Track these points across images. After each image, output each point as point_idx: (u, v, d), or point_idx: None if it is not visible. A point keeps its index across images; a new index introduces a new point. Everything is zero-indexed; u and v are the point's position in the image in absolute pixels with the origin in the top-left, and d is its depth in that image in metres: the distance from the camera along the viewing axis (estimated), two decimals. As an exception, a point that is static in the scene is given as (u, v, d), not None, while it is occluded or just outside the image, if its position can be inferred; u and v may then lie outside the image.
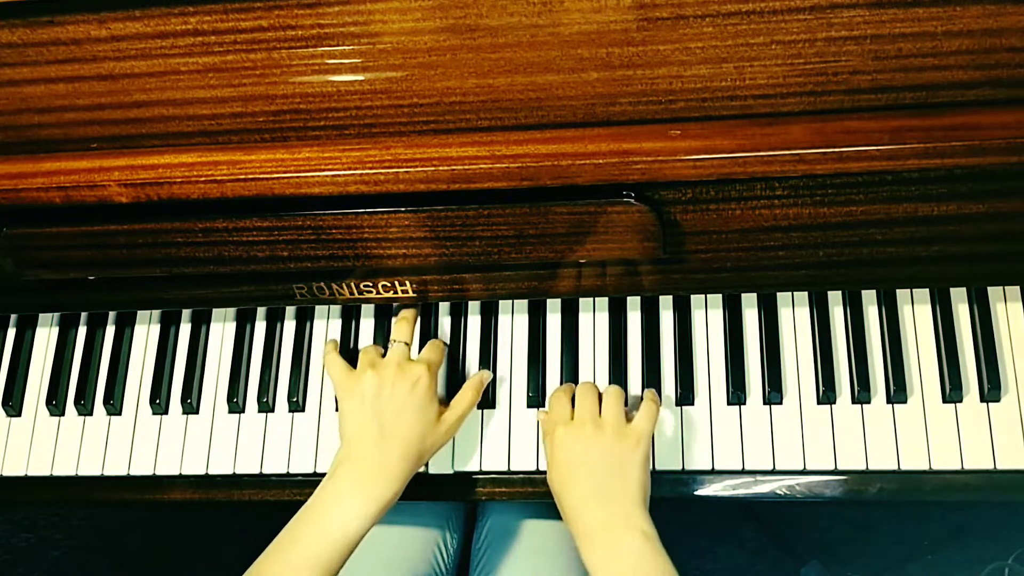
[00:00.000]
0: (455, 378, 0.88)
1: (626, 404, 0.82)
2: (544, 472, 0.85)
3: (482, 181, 0.72)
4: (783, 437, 0.83)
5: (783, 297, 0.87)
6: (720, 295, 0.88)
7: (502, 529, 0.96)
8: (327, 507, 0.73)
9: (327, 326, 0.92)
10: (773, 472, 0.82)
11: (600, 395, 0.82)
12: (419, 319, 0.90)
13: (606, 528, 0.72)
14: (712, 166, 0.70)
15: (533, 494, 0.85)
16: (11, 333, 0.97)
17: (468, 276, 0.81)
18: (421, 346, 0.90)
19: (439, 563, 0.97)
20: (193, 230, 0.78)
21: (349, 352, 0.90)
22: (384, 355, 0.84)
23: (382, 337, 0.90)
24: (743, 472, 0.83)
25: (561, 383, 0.86)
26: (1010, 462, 0.80)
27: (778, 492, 0.83)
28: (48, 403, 0.93)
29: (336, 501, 0.74)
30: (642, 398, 0.82)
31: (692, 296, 0.88)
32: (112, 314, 0.96)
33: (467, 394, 0.84)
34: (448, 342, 0.90)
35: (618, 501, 0.73)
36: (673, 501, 0.84)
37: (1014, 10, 0.67)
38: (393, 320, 0.87)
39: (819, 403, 0.84)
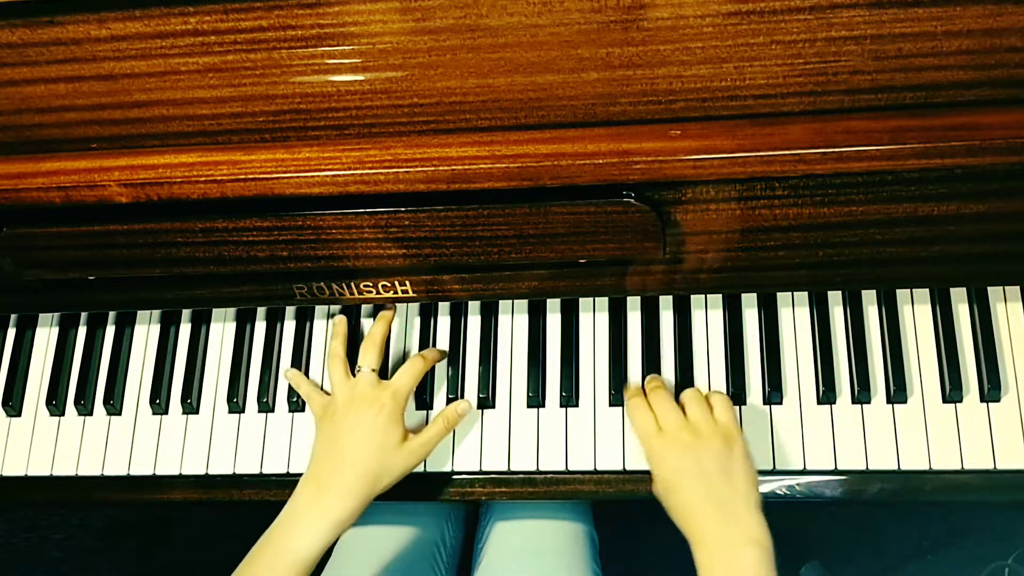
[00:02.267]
0: (456, 379, 0.88)
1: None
2: (544, 472, 0.85)
3: (482, 181, 0.72)
4: (783, 437, 0.83)
5: (783, 297, 0.87)
6: (720, 295, 0.88)
7: (503, 529, 0.96)
8: (284, 524, 0.76)
9: (327, 326, 0.92)
10: (773, 472, 0.82)
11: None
12: (420, 323, 0.90)
13: (722, 540, 0.71)
14: (712, 166, 0.70)
15: (533, 494, 0.85)
16: (11, 333, 0.97)
17: (468, 276, 0.81)
18: (422, 346, 0.90)
19: (438, 563, 0.97)
20: (193, 230, 0.78)
21: (349, 352, 0.90)
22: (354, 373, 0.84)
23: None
24: (743, 472, 0.83)
25: (561, 383, 0.86)
26: (1010, 462, 0.80)
27: (778, 492, 0.83)
28: (48, 403, 0.93)
29: (292, 518, 0.77)
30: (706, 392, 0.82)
31: (692, 296, 0.88)
32: (112, 314, 0.96)
33: (436, 424, 0.84)
34: (447, 349, 0.89)
35: (731, 503, 0.73)
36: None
37: (1014, 10, 0.67)
38: (361, 346, 0.86)
39: (819, 403, 0.84)
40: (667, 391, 0.82)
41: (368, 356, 0.84)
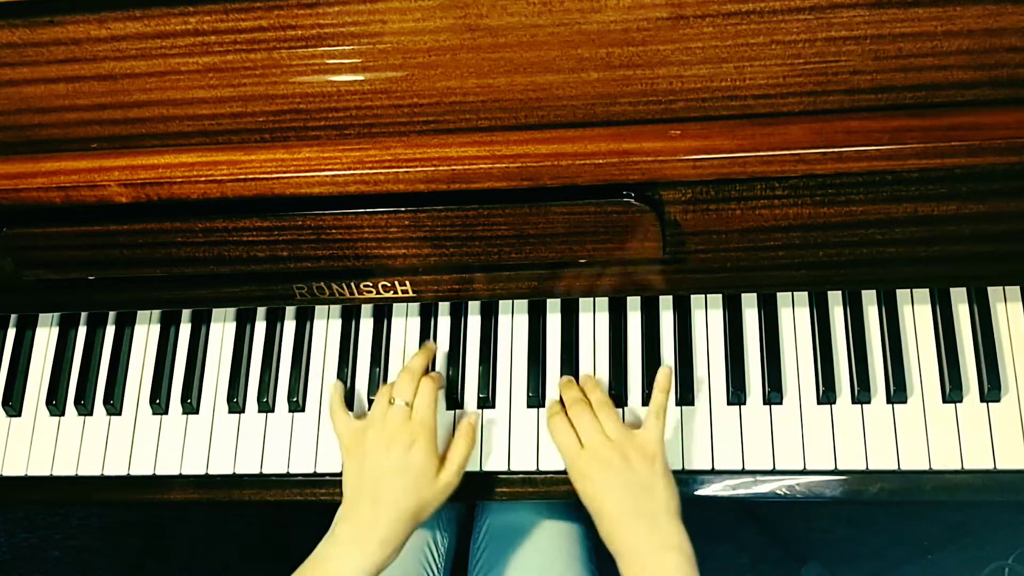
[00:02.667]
0: (455, 379, 0.88)
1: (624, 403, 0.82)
2: (544, 472, 0.85)
3: (482, 181, 0.72)
4: (783, 437, 0.83)
5: (783, 297, 0.87)
6: (720, 295, 0.88)
7: (501, 529, 0.96)
8: (327, 561, 0.75)
9: (327, 326, 0.92)
10: (773, 472, 0.82)
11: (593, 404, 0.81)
12: (420, 323, 0.90)
13: (644, 549, 0.73)
14: (712, 166, 0.70)
15: (533, 494, 0.85)
16: (11, 333, 0.97)
17: (468, 276, 0.81)
18: (450, 348, 0.90)
19: (429, 563, 0.97)
20: (193, 230, 0.78)
21: (349, 353, 0.90)
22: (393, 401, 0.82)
23: (382, 337, 0.90)
24: (743, 472, 0.83)
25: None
26: (1010, 462, 0.80)
27: (778, 492, 0.83)
28: (48, 403, 0.93)
29: (335, 557, 0.75)
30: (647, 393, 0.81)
31: (692, 296, 0.88)
32: (112, 314, 0.96)
33: (460, 444, 0.82)
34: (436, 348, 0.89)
35: (653, 516, 0.74)
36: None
37: (1014, 10, 0.67)
38: (399, 376, 0.83)
39: (819, 403, 0.84)
40: (586, 404, 0.81)
41: (405, 389, 0.81)
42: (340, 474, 0.87)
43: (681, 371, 0.86)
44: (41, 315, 0.97)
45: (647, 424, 0.79)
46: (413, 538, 0.95)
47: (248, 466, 0.88)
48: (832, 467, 0.82)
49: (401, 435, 0.79)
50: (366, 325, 0.92)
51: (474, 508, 1.05)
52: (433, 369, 0.89)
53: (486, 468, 0.86)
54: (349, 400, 0.89)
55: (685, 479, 0.83)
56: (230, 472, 0.88)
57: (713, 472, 0.83)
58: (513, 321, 0.90)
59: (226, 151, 0.75)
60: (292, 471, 0.88)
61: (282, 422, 0.90)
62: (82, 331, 0.96)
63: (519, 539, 0.95)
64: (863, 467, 0.81)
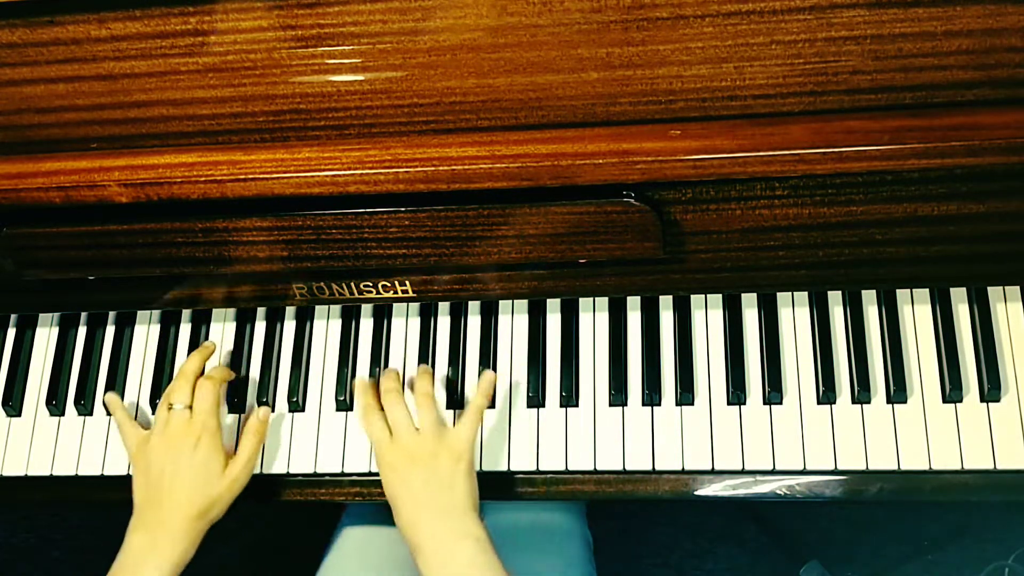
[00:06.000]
0: (455, 379, 0.88)
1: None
2: (543, 472, 0.85)
3: (482, 181, 0.72)
4: (783, 437, 0.83)
5: (783, 297, 0.87)
6: (720, 295, 0.88)
7: (500, 529, 0.96)
8: (124, 572, 0.76)
9: (327, 326, 0.92)
10: (773, 472, 0.82)
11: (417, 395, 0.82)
12: (420, 323, 0.90)
13: (439, 539, 0.74)
14: (712, 166, 0.70)
15: (533, 494, 0.85)
16: (11, 333, 0.97)
17: (468, 276, 0.81)
18: (422, 346, 0.90)
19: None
20: (193, 230, 0.78)
21: (349, 353, 0.90)
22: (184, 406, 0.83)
23: (382, 337, 0.90)
24: (743, 472, 0.83)
25: (561, 383, 0.86)
26: (1010, 462, 0.80)
27: (778, 492, 0.83)
28: (48, 403, 0.93)
29: (131, 566, 0.76)
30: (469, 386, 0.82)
31: (692, 296, 0.88)
32: (112, 314, 0.96)
33: (249, 440, 0.84)
34: (230, 367, 0.90)
35: (449, 509, 0.76)
36: (673, 501, 0.84)
37: (1014, 10, 0.67)
38: (173, 381, 0.85)
39: (819, 403, 0.84)
40: (400, 395, 0.82)
41: (181, 392, 0.83)
42: (340, 474, 0.88)
43: (681, 371, 0.86)
44: (41, 315, 0.97)
45: (462, 422, 0.80)
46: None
47: (248, 466, 0.88)
48: (832, 467, 0.82)
49: (183, 438, 0.80)
50: (366, 325, 0.92)
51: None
52: (433, 369, 0.89)
53: (486, 468, 0.86)
54: (348, 400, 0.89)
55: (685, 479, 0.83)
56: (230, 472, 0.88)
57: (713, 472, 0.83)
58: (513, 321, 0.90)
59: (226, 151, 0.75)
60: (292, 471, 0.88)
61: (282, 422, 0.90)
62: (82, 331, 0.96)
63: (519, 539, 0.95)
64: (863, 467, 0.81)
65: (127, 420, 0.86)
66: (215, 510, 0.80)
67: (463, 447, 0.79)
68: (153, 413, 0.91)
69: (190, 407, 0.82)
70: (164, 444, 0.81)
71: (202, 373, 0.87)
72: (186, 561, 0.78)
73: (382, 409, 0.82)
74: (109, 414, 0.91)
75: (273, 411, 0.90)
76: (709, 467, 0.83)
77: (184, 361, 0.87)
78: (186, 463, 0.79)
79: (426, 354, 0.89)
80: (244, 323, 0.93)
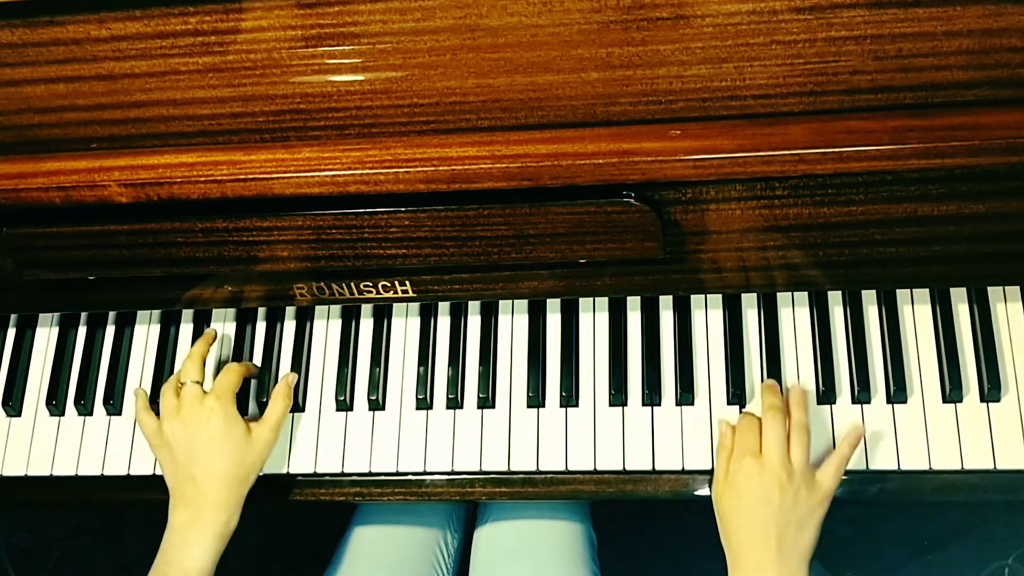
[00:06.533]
0: (455, 379, 0.88)
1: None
2: (543, 472, 0.85)
3: (482, 181, 0.72)
4: (783, 437, 0.83)
5: (783, 297, 0.87)
6: (720, 295, 0.88)
7: (501, 529, 0.96)
8: (170, 551, 0.77)
9: (327, 326, 0.92)
10: (773, 472, 0.82)
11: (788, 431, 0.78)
12: (420, 323, 0.90)
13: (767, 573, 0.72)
14: (712, 166, 0.70)
15: (533, 494, 0.85)
16: (11, 333, 0.97)
17: (468, 276, 0.81)
18: (422, 346, 0.90)
19: (440, 563, 0.97)
20: (193, 230, 0.78)
21: (349, 353, 0.90)
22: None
23: (382, 337, 0.90)
24: (743, 472, 0.83)
25: (561, 383, 0.86)
26: (1010, 462, 0.80)
27: (778, 492, 0.82)
28: (48, 403, 0.93)
29: (177, 543, 0.77)
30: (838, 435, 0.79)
31: (692, 296, 0.88)
32: (112, 314, 0.96)
33: (276, 403, 0.85)
34: (260, 364, 0.91)
35: (787, 553, 0.72)
36: (673, 501, 0.84)
37: (1014, 10, 0.67)
38: (182, 363, 0.86)
39: (819, 403, 0.84)
40: (783, 416, 0.78)
41: (190, 371, 0.84)
42: (340, 474, 0.88)
43: (681, 371, 0.86)
44: (41, 315, 0.97)
45: (827, 470, 0.76)
46: (423, 538, 0.96)
47: (248, 466, 0.88)
48: (832, 467, 0.82)
49: (198, 412, 0.81)
50: (366, 325, 0.92)
51: (475, 509, 1.05)
52: (433, 369, 0.89)
53: (486, 468, 0.86)
54: (348, 400, 0.89)
55: (685, 479, 0.83)
56: (230, 472, 0.88)
57: (713, 472, 0.83)
58: (513, 321, 0.90)
59: (226, 151, 0.75)
60: (292, 471, 0.88)
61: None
62: (82, 331, 0.96)
63: (520, 539, 0.95)
64: (863, 467, 0.81)
65: (146, 411, 0.86)
66: (252, 474, 0.81)
67: (825, 494, 0.75)
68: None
69: (198, 383, 0.84)
70: (180, 421, 0.81)
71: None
72: (231, 530, 0.79)
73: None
74: (110, 414, 0.92)
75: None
76: (709, 467, 0.83)
77: (192, 347, 0.87)
78: (208, 435, 0.80)
79: (426, 354, 0.89)
80: (244, 323, 0.93)
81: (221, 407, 0.81)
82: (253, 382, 0.91)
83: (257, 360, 0.92)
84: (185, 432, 0.81)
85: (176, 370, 0.87)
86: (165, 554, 0.77)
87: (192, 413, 0.81)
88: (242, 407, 0.90)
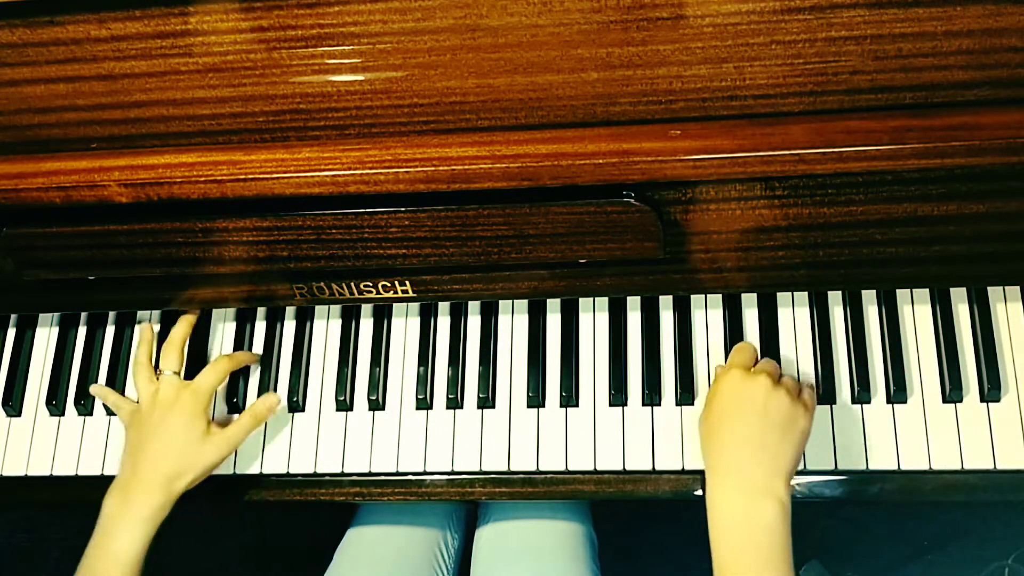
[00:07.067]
0: (455, 379, 0.88)
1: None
2: (544, 472, 0.85)
3: (482, 181, 0.72)
4: (783, 437, 0.83)
5: (783, 297, 0.87)
6: (720, 295, 0.88)
7: (502, 529, 0.96)
8: (99, 535, 0.78)
9: (327, 326, 0.92)
10: (773, 472, 0.82)
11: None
12: (420, 323, 0.90)
13: (747, 482, 0.71)
14: (712, 166, 0.70)
15: (533, 494, 0.85)
16: (11, 333, 0.97)
17: (468, 276, 0.81)
18: (422, 346, 0.90)
19: (440, 563, 0.97)
20: (193, 230, 0.78)
21: (349, 353, 0.90)
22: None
23: (382, 337, 0.90)
24: (743, 472, 0.83)
25: (561, 383, 0.86)
26: (1010, 462, 0.80)
27: (778, 492, 0.82)
28: (48, 403, 0.93)
29: (106, 527, 0.78)
30: None
31: (692, 296, 0.88)
32: (112, 314, 0.96)
33: (244, 419, 0.84)
34: (261, 353, 0.91)
35: (770, 457, 0.71)
36: (673, 501, 0.84)
37: (1014, 10, 0.67)
38: (162, 349, 0.87)
39: (819, 403, 0.84)
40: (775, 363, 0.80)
41: (169, 359, 0.85)
42: (340, 474, 0.88)
43: (681, 371, 0.86)
44: (41, 315, 0.97)
45: (804, 391, 0.78)
46: (423, 538, 0.96)
47: (247, 466, 0.88)
48: (832, 467, 0.82)
49: (171, 400, 0.82)
50: (366, 325, 0.92)
51: (475, 509, 1.05)
52: (434, 369, 0.89)
53: (486, 468, 0.86)
54: (348, 400, 0.89)
55: (685, 479, 0.83)
56: (229, 472, 0.88)
57: (713, 472, 0.83)
58: (513, 321, 0.90)
59: (226, 151, 0.75)
60: (292, 471, 0.88)
61: (281, 422, 0.90)
62: (82, 331, 0.96)
63: (521, 539, 0.95)
64: (863, 467, 0.81)
65: (121, 399, 0.88)
66: (190, 473, 0.80)
67: (811, 409, 0.76)
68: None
69: (177, 373, 0.84)
70: (152, 407, 0.82)
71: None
72: (161, 519, 0.78)
73: None
74: (110, 414, 0.92)
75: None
76: (709, 467, 0.83)
77: (172, 331, 0.88)
78: (170, 423, 0.81)
79: (426, 354, 0.89)
80: (244, 323, 0.93)
81: (194, 402, 0.82)
82: (254, 382, 0.91)
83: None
84: (156, 416, 0.81)
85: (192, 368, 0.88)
86: (94, 541, 0.77)
87: (167, 400, 0.82)
88: (240, 407, 0.90)
